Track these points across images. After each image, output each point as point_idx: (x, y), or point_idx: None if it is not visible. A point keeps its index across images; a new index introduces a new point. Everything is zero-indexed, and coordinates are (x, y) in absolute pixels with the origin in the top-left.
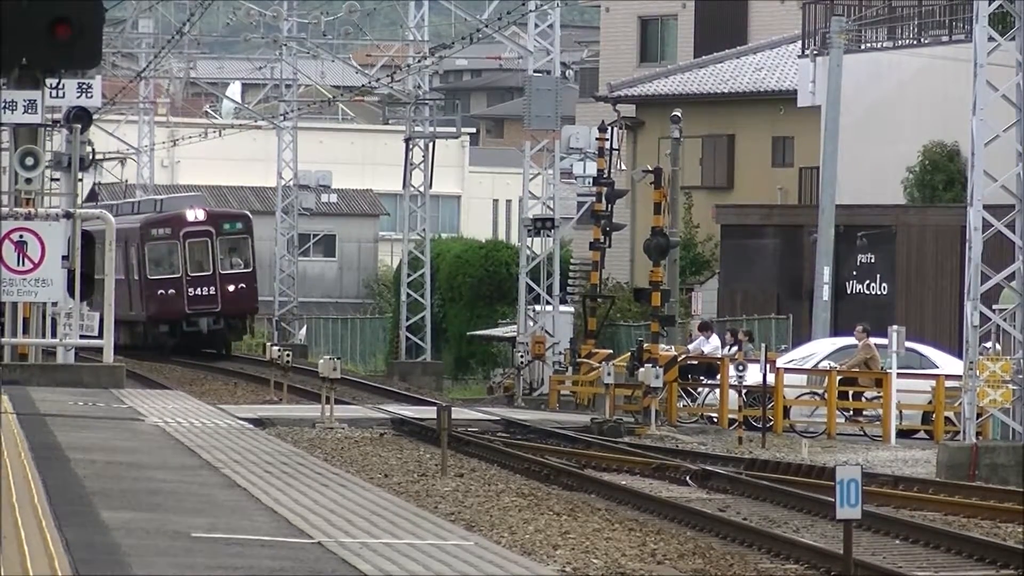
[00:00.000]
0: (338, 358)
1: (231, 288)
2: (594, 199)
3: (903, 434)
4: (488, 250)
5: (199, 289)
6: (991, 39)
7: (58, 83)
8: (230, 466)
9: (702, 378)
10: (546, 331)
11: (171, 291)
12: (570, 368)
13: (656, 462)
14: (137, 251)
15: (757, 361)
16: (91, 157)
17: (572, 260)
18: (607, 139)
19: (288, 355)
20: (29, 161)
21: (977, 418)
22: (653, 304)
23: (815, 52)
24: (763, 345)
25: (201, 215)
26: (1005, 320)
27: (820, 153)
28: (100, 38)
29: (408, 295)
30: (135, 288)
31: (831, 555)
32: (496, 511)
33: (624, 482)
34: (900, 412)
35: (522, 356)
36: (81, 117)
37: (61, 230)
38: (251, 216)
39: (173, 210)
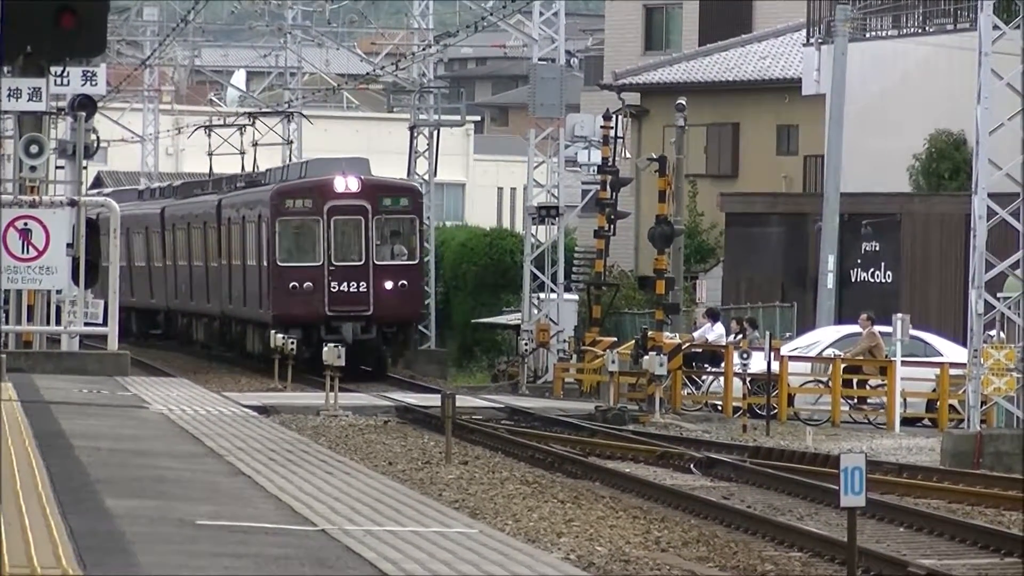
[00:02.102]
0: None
1: (388, 285)
2: (599, 187)
3: (907, 422)
4: (492, 238)
5: (345, 284)
6: (996, 28)
7: (63, 71)
8: (234, 454)
9: (706, 366)
10: (550, 319)
11: (307, 285)
12: (574, 356)
13: (660, 450)
14: (266, 228)
15: (761, 349)
16: (96, 145)
17: (576, 248)
18: (612, 127)
19: (292, 343)
20: (34, 149)
21: (981, 406)
22: (657, 292)
23: (820, 41)
24: (767, 333)
25: (354, 184)
26: (1009, 308)
27: (825, 141)
28: (105, 26)
29: None
30: (259, 279)
31: (835, 543)
32: (500, 499)
33: (628, 470)
34: (904, 400)
35: (526, 344)
36: (86, 105)
37: (66, 218)
38: (420, 190)
39: (318, 175)
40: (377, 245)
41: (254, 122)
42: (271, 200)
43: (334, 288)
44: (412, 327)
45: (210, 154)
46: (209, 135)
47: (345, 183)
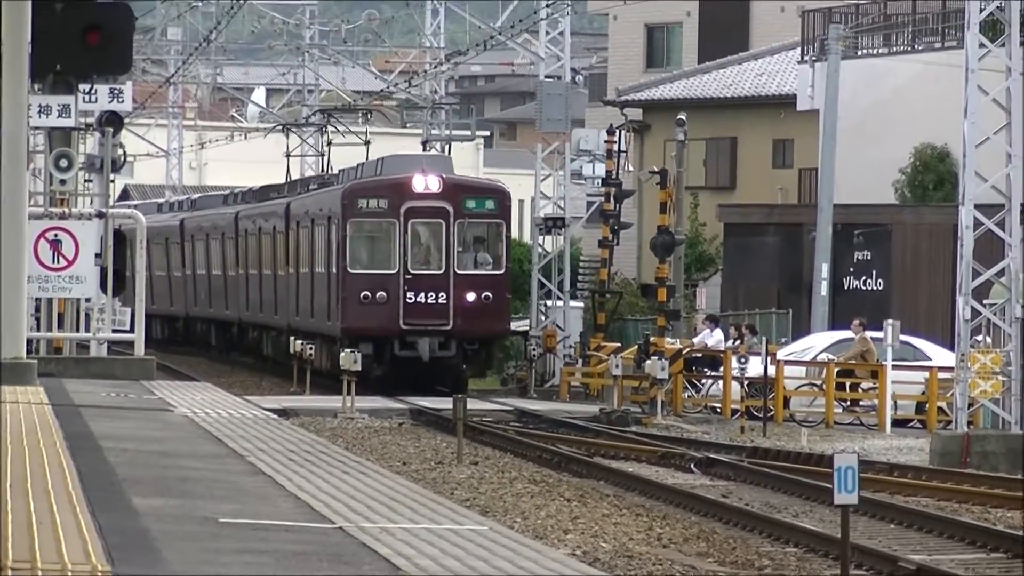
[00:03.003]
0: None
1: (471, 297)
2: (603, 199)
3: (898, 423)
4: None
5: (423, 295)
6: (982, 45)
7: (91, 88)
8: (255, 454)
9: (706, 370)
10: (557, 325)
11: (380, 295)
12: (580, 360)
13: (662, 450)
14: (336, 231)
15: (758, 354)
16: (123, 159)
17: (582, 257)
18: (615, 142)
19: (311, 349)
20: (63, 163)
21: (968, 408)
22: (659, 299)
23: (814, 58)
24: (764, 338)
25: (435, 183)
26: (995, 314)
27: (819, 155)
28: (131, 45)
29: None
30: (328, 288)
31: (829, 539)
32: (509, 497)
33: (631, 469)
34: (895, 402)
35: (534, 349)
36: (113, 121)
37: (94, 229)
38: (508, 192)
39: (394, 173)
40: (459, 252)
41: (329, 120)
42: (342, 199)
43: (410, 299)
44: (496, 344)
45: (287, 155)
46: (287, 135)
47: (425, 182)
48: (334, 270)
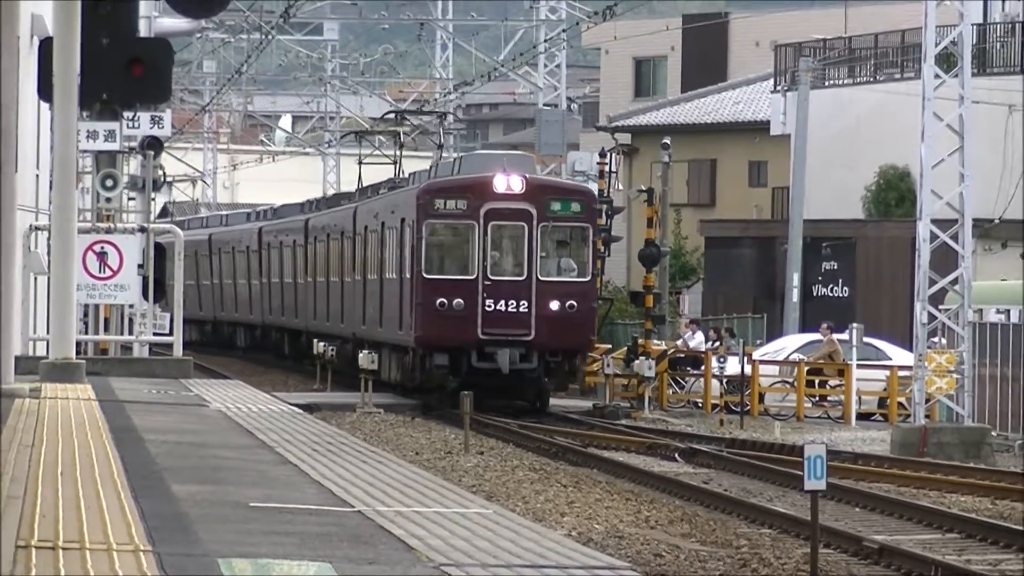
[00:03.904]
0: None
1: (554, 306)
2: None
3: (862, 417)
4: None
5: (503, 303)
6: (937, 76)
7: (134, 115)
8: (283, 445)
9: (688, 369)
10: None
11: (457, 302)
12: None
13: (649, 441)
14: (411, 234)
15: (736, 354)
16: (163, 179)
17: None
18: (607, 163)
19: (332, 351)
20: (109, 183)
21: (926, 403)
22: (646, 305)
23: (785, 88)
24: (741, 340)
25: (517, 184)
26: (949, 319)
27: (790, 175)
28: (170, 77)
29: None
30: (400, 294)
31: (800, 521)
32: (511, 484)
33: (621, 458)
34: (859, 398)
35: None
36: (154, 145)
37: (137, 242)
38: (595, 194)
39: (473, 172)
40: (542, 257)
41: (402, 121)
42: (418, 199)
43: (489, 307)
44: (580, 356)
45: (360, 162)
46: (360, 141)
47: (506, 182)
48: (407, 276)
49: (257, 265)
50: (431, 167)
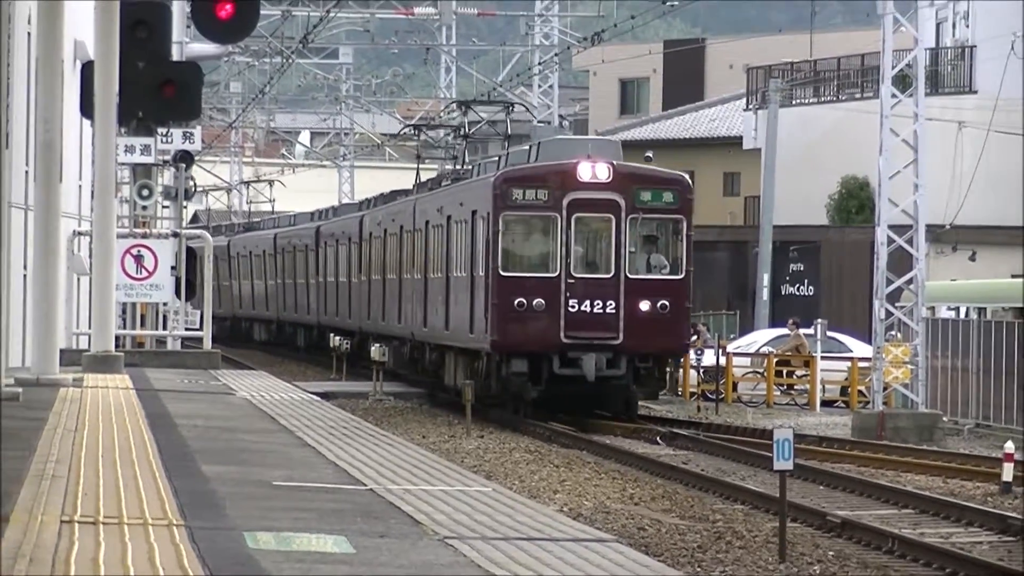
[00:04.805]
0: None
1: (645, 307)
2: None
3: (826, 403)
4: None
5: (588, 304)
6: (894, 96)
7: (167, 132)
8: (302, 429)
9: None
10: None
11: (538, 302)
12: None
13: (633, 426)
14: (485, 227)
15: (712, 347)
16: (193, 189)
17: None
18: None
19: (347, 344)
20: (145, 192)
21: (883, 391)
22: None
23: (756, 106)
24: (716, 334)
25: (603, 172)
26: (905, 315)
27: (761, 185)
28: (200, 96)
29: None
30: (472, 294)
31: (770, 498)
32: (509, 464)
33: (608, 441)
34: (823, 386)
35: None
36: (185, 158)
37: (170, 246)
38: (690, 183)
39: (553, 159)
40: (631, 253)
41: (467, 111)
42: (494, 189)
43: (573, 307)
44: (671, 363)
45: (418, 156)
46: (418, 135)
47: (592, 169)
48: (480, 273)
49: (314, 264)
50: (503, 154)
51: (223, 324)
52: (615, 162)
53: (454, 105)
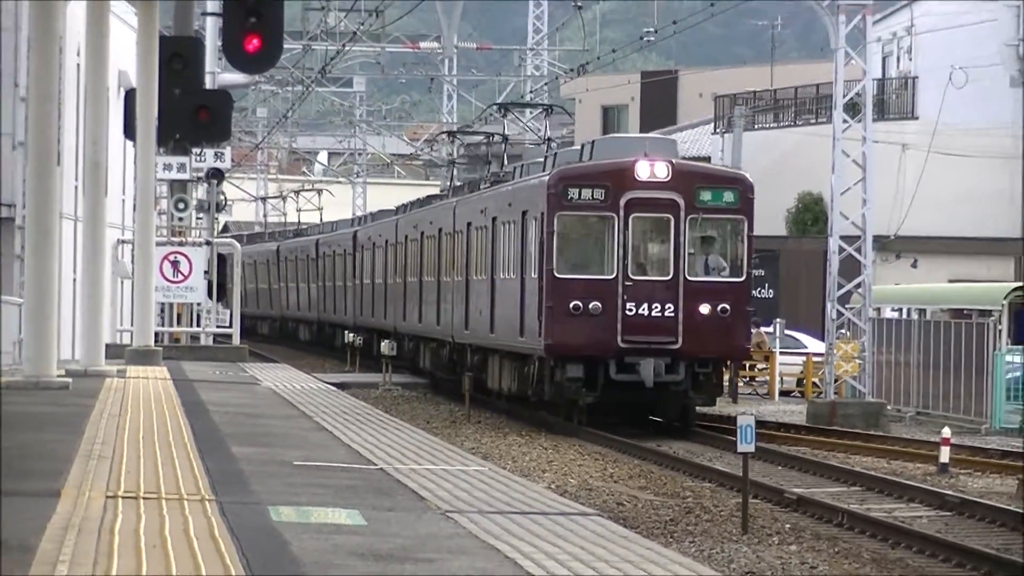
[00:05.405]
0: (395, 343)
1: (704, 310)
2: None
3: (783, 394)
4: None
5: (646, 307)
6: (845, 121)
7: (200, 151)
8: (319, 415)
9: None
10: None
11: (594, 305)
12: None
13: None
14: (538, 228)
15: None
16: (224, 202)
17: None
18: None
19: (359, 341)
20: (180, 205)
21: (834, 383)
22: None
23: (723, 131)
24: None
25: (662, 170)
26: (854, 315)
27: None
28: (229, 120)
29: None
30: (523, 296)
31: (734, 477)
32: (503, 447)
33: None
34: (781, 378)
35: None
36: (216, 175)
37: (203, 253)
38: (751, 183)
39: (609, 158)
40: (690, 254)
41: (505, 114)
42: (549, 188)
43: (630, 311)
44: (729, 367)
45: (451, 162)
46: (453, 141)
47: (650, 168)
48: (533, 275)
49: (351, 268)
50: (552, 153)
51: (273, 324)
52: (674, 160)
53: (455, 129)
